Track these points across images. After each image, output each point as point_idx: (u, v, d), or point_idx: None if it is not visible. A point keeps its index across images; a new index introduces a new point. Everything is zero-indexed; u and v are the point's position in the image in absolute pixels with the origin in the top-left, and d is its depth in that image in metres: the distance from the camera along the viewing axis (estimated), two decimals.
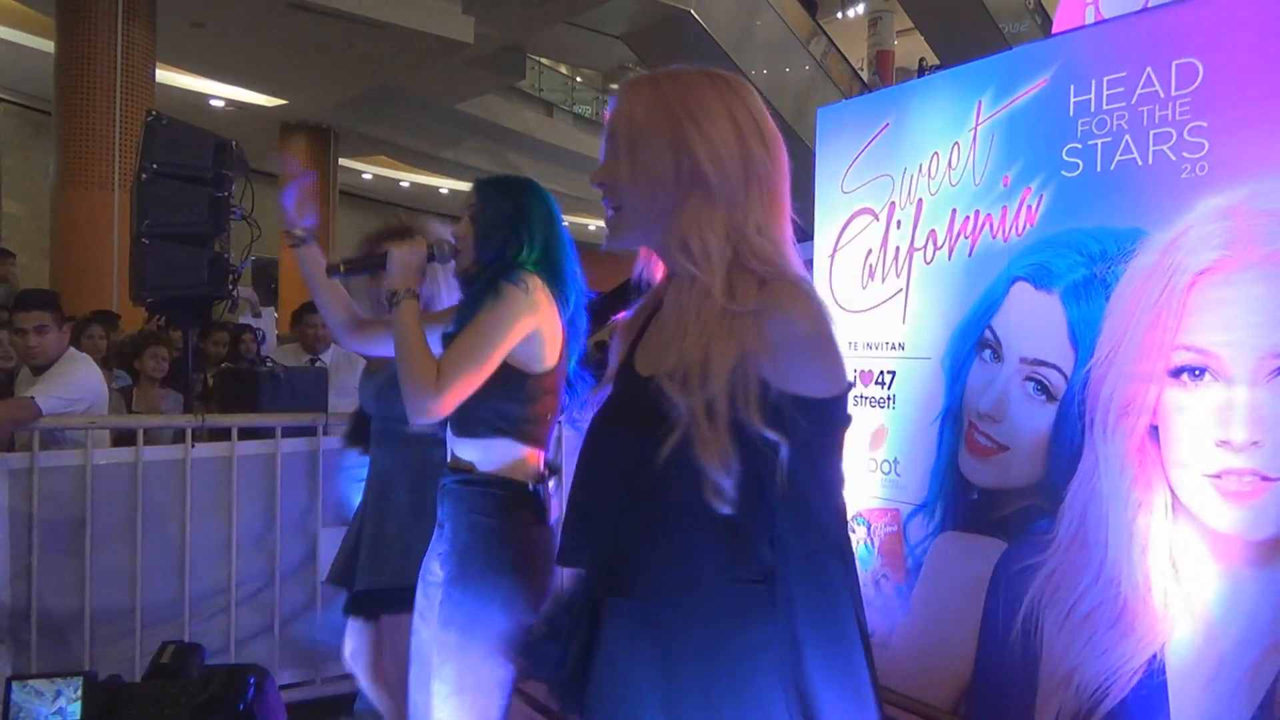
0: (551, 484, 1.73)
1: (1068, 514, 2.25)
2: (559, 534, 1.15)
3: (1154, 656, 2.06)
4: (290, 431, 3.24)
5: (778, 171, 1.08)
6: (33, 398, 2.87)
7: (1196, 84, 2.04)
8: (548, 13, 10.53)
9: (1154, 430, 2.08)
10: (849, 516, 1.07)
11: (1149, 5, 2.61)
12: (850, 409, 1.04)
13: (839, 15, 19.34)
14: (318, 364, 4.41)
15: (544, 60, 15.44)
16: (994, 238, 2.48)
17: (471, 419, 1.64)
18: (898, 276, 2.78)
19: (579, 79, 17.58)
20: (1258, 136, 1.93)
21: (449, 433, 1.70)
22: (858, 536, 2.83)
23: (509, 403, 1.64)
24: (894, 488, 2.77)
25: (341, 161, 14.62)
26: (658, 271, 1.16)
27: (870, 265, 2.87)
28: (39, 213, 10.55)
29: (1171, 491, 2.05)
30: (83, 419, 2.96)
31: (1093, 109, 2.24)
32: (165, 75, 9.76)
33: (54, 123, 8.03)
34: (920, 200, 2.71)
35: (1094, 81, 2.24)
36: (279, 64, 10.76)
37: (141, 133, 3.65)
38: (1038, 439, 2.34)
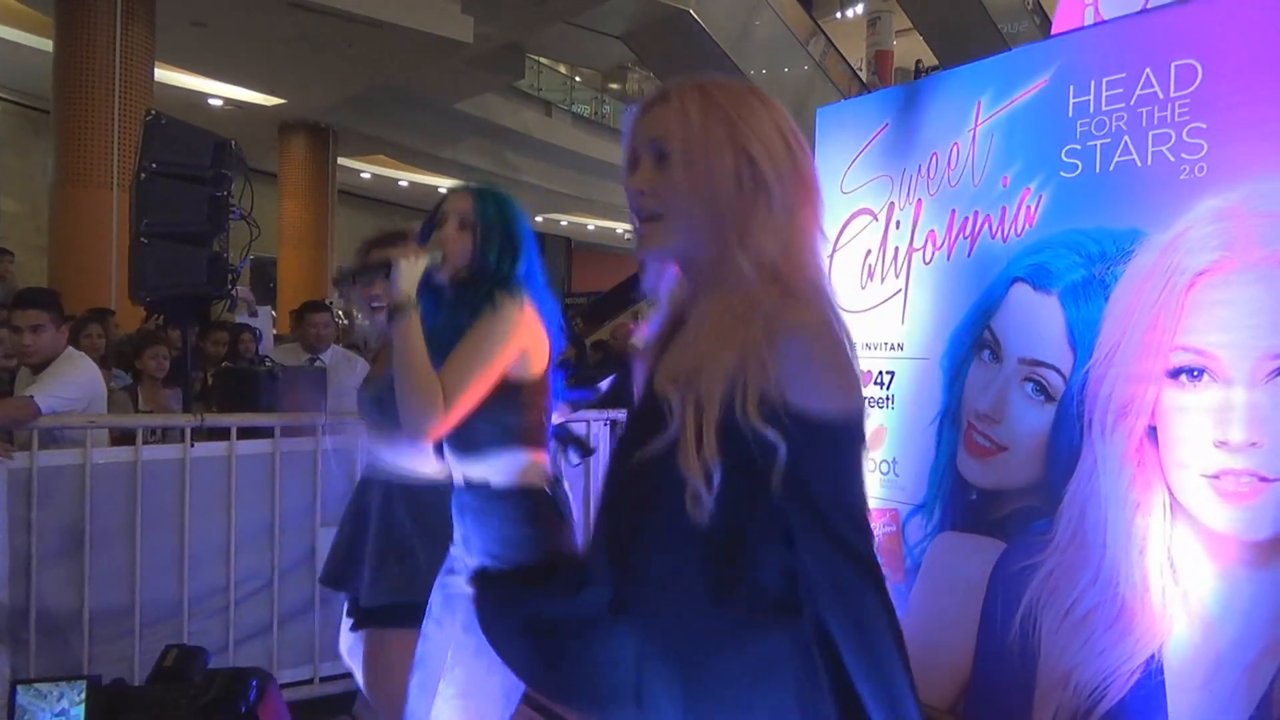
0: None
1: (1066, 514, 2.25)
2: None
3: (1152, 656, 2.06)
4: (289, 431, 3.24)
5: (816, 179, 1.08)
6: (32, 397, 2.87)
7: (1195, 85, 2.04)
8: (547, 12, 10.53)
9: (1152, 431, 2.09)
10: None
11: (1148, 6, 2.61)
12: (863, 430, 1.00)
13: (838, 15, 19.35)
14: (317, 363, 4.41)
15: (543, 60, 15.43)
16: (993, 238, 2.49)
17: (473, 437, 1.64)
18: (897, 277, 2.78)
19: (578, 79, 17.57)
20: (1257, 138, 1.94)
21: (451, 455, 1.69)
22: None
23: (508, 414, 1.64)
24: (892, 488, 2.77)
25: (340, 161, 14.61)
26: (661, 275, 1.14)
27: (869, 265, 2.87)
28: (37, 211, 10.55)
29: (1170, 492, 2.06)
30: (82, 418, 2.96)
31: (1092, 110, 2.25)
32: (164, 74, 9.75)
33: (53, 121, 8.03)
34: (919, 201, 2.71)
35: (1093, 82, 2.24)
36: (278, 63, 10.75)
37: (141, 132, 3.65)
38: (1036, 439, 2.34)
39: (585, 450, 1.95)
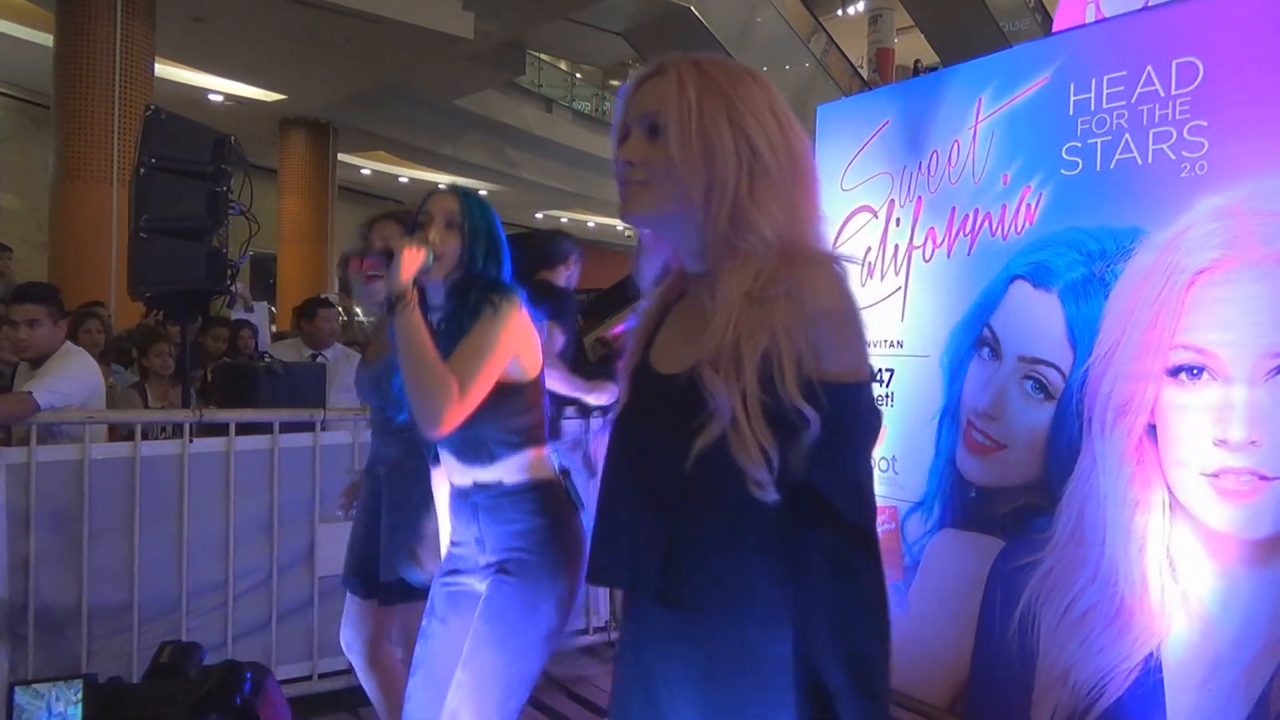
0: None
1: (1065, 512, 2.25)
2: (589, 548, 1.12)
3: (1150, 655, 2.06)
4: (288, 427, 3.24)
5: (812, 160, 1.08)
6: (30, 392, 2.86)
7: (1196, 83, 2.04)
8: (547, 9, 10.52)
9: (1152, 429, 2.08)
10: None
11: (1149, 4, 2.61)
12: (879, 406, 1.03)
13: (839, 13, 19.32)
14: (319, 360, 4.41)
15: (543, 56, 15.42)
16: (993, 236, 2.48)
17: (483, 444, 1.65)
18: (896, 274, 2.78)
19: (578, 75, 17.56)
20: (1257, 136, 1.93)
21: (457, 461, 1.69)
22: None
23: (515, 416, 1.67)
24: (892, 485, 2.77)
25: (340, 157, 14.60)
26: (652, 268, 1.14)
27: (869, 263, 2.86)
28: (37, 207, 10.54)
29: (1169, 490, 2.05)
30: (81, 414, 2.96)
31: (1093, 107, 2.24)
32: (164, 70, 9.75)
33: (53, 117, 8.02)
34: (920, 198, 2.71)
35: (1094, 80, 2.24)
36: (278, 59, 10.73)
37: (141, 127, 3.64)
38: (1036, 437, 2.34)
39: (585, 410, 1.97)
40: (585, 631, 3.60)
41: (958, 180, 2.59)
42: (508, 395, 1.64)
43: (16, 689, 2.01)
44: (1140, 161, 2.14)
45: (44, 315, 3.08)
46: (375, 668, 2.31)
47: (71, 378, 3.02)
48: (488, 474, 1.67)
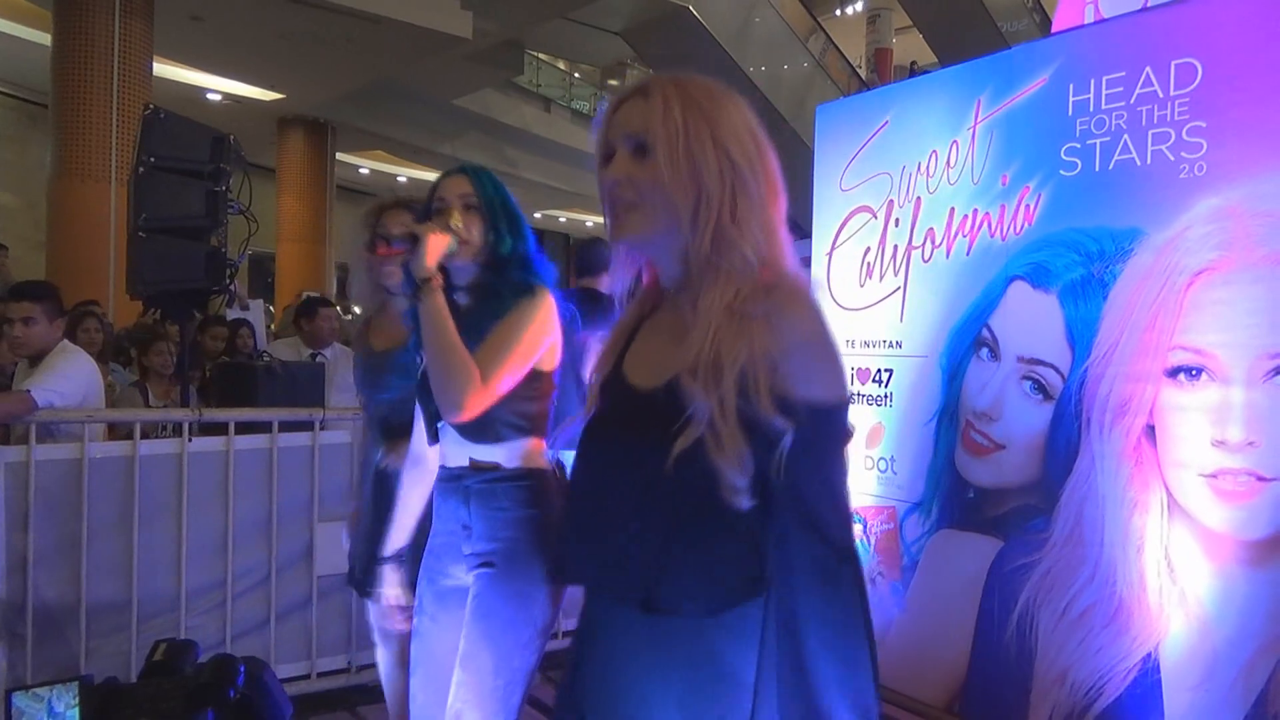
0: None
1: (1064, 512, 2.25)
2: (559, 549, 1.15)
3: (1148, 655, 2.07)
4: (287, 426, 3.24)
5: (781, 179, 1.11)
6: (28, 390, 2.86)
7: (1195, 84, 2.04)
8: (546, 8, 10.52)
9: (1150, 430, 2.09)
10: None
11: (1148, 5, 2.61)
12: (850, 421, 1.06)
13: (837, 12, 19.33)
14: (318, 359, 4.41)
15: (542, 56, 15.42)
16: (992, 236, 2.49)
17: (493, 423, 1.64)
18: (895, 275, 2.78)
19: (577, 75, 17.56)
20: (1256, 137, 1.94)
21: (459, 439, 1.68)
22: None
23: (530, 401, 1.67)
24: (890, 485, 2.77)
25: (339, 156, 14.59)
26: (623, 277, 1.17)
27: (868, 263, 2.87)
28: (34, 205, 10.52)
29: (1167, 491, 2.06)
30: (80, 413, 2.96)
31: (1091, 108, 2.25)
32: (162, 69, 9.73)
33: (51, 115, 8.01)
34: (919, 198, 2.71)
35: (1093, 81, 2.24)
36: (277, 58, 10.72)
37: (139, 126, 3.64)
38: (1034, 438, 2.34)
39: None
40: None
41: (957, 180, 2.59)
42: (528, 380, 1.64)
43: (15, 694, 2.02)
44: (1139, 162, 2.14)
45: (39, 313, 3.07)
46: (403, 665, 2.31)
47: (69, 376, 3.02)
48: (487, 454, 1.66)
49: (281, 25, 9.58)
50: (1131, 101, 2.16)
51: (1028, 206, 2.39)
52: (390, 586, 1.90)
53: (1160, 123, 2.10)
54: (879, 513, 2.78)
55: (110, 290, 7.23)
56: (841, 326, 2.86)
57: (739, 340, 0.99)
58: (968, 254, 2.56)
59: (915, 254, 2.72)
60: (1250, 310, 1.93)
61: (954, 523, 2.58)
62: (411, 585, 2.12)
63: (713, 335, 1.00)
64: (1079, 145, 2.27)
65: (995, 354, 2.46)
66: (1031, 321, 2.37)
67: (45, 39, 8.41)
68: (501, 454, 1.66)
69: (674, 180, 1.04)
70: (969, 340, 2.54)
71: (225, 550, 3.10)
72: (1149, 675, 2.06)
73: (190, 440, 3.06)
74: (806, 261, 3.11)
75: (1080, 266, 2.25)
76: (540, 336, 1.63)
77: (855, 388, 2.86)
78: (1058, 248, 2.31)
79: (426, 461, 1.83)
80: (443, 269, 1.64)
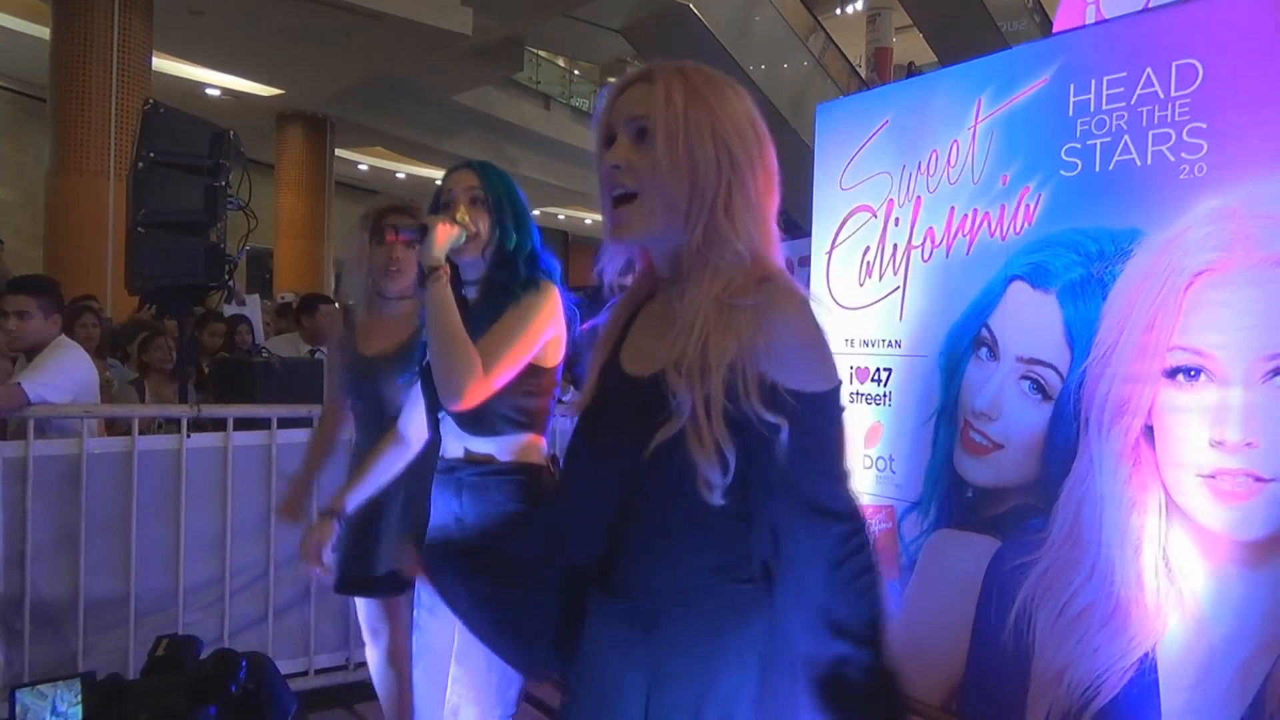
0: None
1: (1062, 512, 2.26)
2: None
3: (1145, 655, 2.07)
4: (286, 422, 3.24)
5: (776, 173, 1.11)
6: (20, 385, 2.85)
7: (1196, 85, 2.05)
8: (546, 5, 10.51)
9: (1149, 430, 2.09)
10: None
11: (1150, 6, 2.62)
12: (843, 401, 1.07)
13: (838, 12, 19.32)
14: (317, 355, 4.41)
15: (542, 53, 15.40)
16: (992, 236, 2.49)
17: (491, 416, 1.65)
18: (895, 274, 2.78)
19: (576, 72, 17.54)
20: (1256, 138, 1.94)
21: (456, 430, 1.69)
22: None
23: (529, 397, 1.67)
24: (888, 484, 2.77)
25: (338, 152, 14.57)
26: (615, 262, 1.16)
27: (868, 262, 2.87)
28: (32, 199, 10.51)
29: (1165, 491, 2.06)
30: (78, 408, 2.95)
31: (1092, 109, 2.25)
32: (161, 64, 9.72)
33: (49, 109, 7.99)
34: (919, 198, 2.71)
35: (1094, 81, 2.24)
36: (276, 54, 10.71)
37: (139, 121, 3.64)
38: (1033, 437, 2.35)
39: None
40: None
41: (957, 180, 2.59)
42: (527, 375, 1.65)
43: (19, 691, 2.04)
44: (1139, 163, 2.14)
45: (34, 307, 3.06)
46: (393, 664, 2.31)
47: (62, 371, 3.00)
48: (482, 446, 1.67)
49: (281, 21, 9.57)
50: (1132, 102, 2.16)
51: (1028, 206, 2.39)
52: (319, 535, 1.89)
53: (1161, 123, 2.10)
54: (877, 512, 2.78)
55: (108, 285, 7.22)
56: (841, 325, 2.87)
57: (727, 336, 0.99)
58: (967, 253, 2.56)
59: (915, 253, 2.72)
60: (1249, 311, 1.93)
61: (952, 522, 2.58)
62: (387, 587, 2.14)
63: (699, 330, 1.00)
64: (1079, 145, 2.27)
65: (994, 354, 2.47)
66: (1031, 321, 2.37)
67: (44, 33, 8.40)
68: (496, 447, 1.67)
69: (671, 168, 1.04)
70: (968, 340, 2.54)
71: (223, 546, 3.10)
72: (1146, 674, 2.06)
73: (188, 436, 3.06)
74: (806, 260, 3.11)
75: (1080, 267, 2.25)
76: (543, 331, 1.64)
77: (854, 386, 2.86)
78: (1057, 248, 2.31)
79: (409, 443, 1.86)
80: (451, 265, 1.65)
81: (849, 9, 19.31)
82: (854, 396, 2.85)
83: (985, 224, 2.51)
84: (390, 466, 1.89)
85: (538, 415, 1.70)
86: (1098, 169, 2.23)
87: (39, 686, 2.07)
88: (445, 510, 1.71)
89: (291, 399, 3.36)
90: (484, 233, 1.68)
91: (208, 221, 3.61)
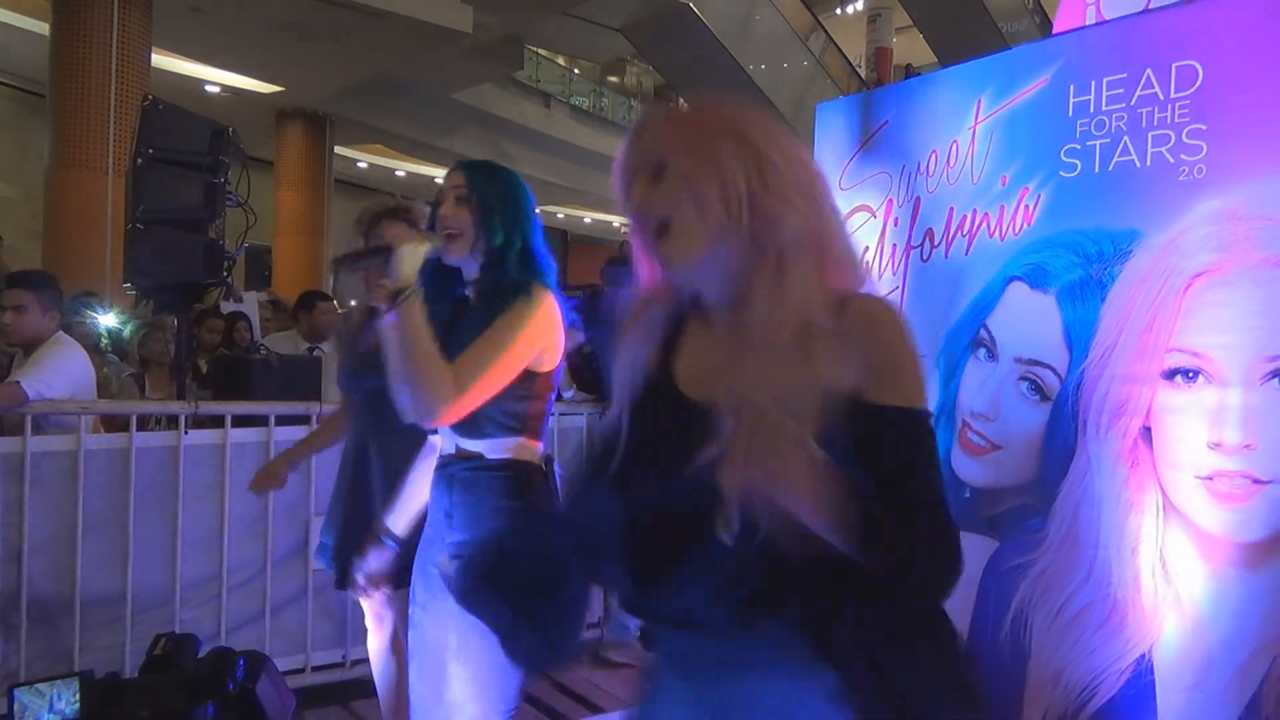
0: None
1: (1059, 513, 2.25)
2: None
3: (1142, 656, 2.07)
4: (284, 419, 3.24)
5: (805, 154, 1.08)
6: (18, 382, 2.85)
7: (1196, 86, 2.04)
8: (546, 4, 10.51)
9: (1147, 431, 2.09)
10: None
11: (1150, 7, 2.61)
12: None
13: (838, 11, 19.32)
14: (316, 353, 4.41)
15: (542, 51, 15.39)
16: (991, 237, 2.49)
17: (482, 420, 1.63)
18: (894, 274, 2.78)
19: (576, 70, 17.53)
20: (1256, 140, 1.94)
21: (448, 430, 1.69)
22: None
23: (520, 401, 1.65)
24: None
25: (337, 150, 14.56)
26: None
27: (866, 262, 2.87)
28: (30, 195, 10.50)
29: (1163, 492, 2.06)
30: (76, 404, 2.95)
31: (1092, 110, 2.24)
32: (161, 60, 9.70)
33: (49, 106, 7.98)
34: (918, 198, 2.71)
35: (1094, 82, 2.24)
36: (276, 51, 10.70)
37: (138, 117, 3.63)
38: (1031, 438, 2.35)
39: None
40: None
41: (956, 181, 2.59)
42: (520, 380, 1.63)
43: (18, 690, 2.05)
44: (1139, 164, 2.14)
45: (31, 302, 3.06)
46: (395, 653, 2.31)
47: (58, 368, 3.00)
48: (472, 445, 1.67)
49: (281, 18, 9.56)
50: (1132, 103, 2.16)
51: (1027, 207, 2.39)
52: (373, 565, 1.89)
53: (1160, 125, 2.10)
54: None
55: (107, 281, 7.21)
56: None
57: (819, 364, 0.93)
58: (966, 254, 2.56)
59: (914, 254, 2.72)
60: (1248, 313, 1.93)
61: None
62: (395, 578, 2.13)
63: (787, 361, 0.94)
64: (1079, 146, 2.27)
65: (993, 354, 2.47)
66: (1029, 322, 2.37)
67: (44, 29, 8.39)
68: (485, 447, 1.67)
69: (690, 175, 1.01)
70: (966, 340, 2.54)
71: (220, 544, 3.10)
72: (1143, 676, 2.06)
73: (186, 433, 3.06)
74: None
75: (1079, 268, 2.25)
76: (534, 340, 1.61)
77: None
78: (1056, 249, 2.31)
79: (436, 450, 1.83)
80: (454, 267, 1.64)
81: (849, 9, 19.31)
82: None
83: (984, 224, 2.51)
84: (426, 480, 1.85)
85: (531, 419, 1.68)
86: (1097, 170, 2.23)
87: (37, 685, 2.07)
88: (438, 505, 1.72)
89: (290, 396, 3.36)
90: (468, 232, 1.67)
91: (207, 218, 3.61)
